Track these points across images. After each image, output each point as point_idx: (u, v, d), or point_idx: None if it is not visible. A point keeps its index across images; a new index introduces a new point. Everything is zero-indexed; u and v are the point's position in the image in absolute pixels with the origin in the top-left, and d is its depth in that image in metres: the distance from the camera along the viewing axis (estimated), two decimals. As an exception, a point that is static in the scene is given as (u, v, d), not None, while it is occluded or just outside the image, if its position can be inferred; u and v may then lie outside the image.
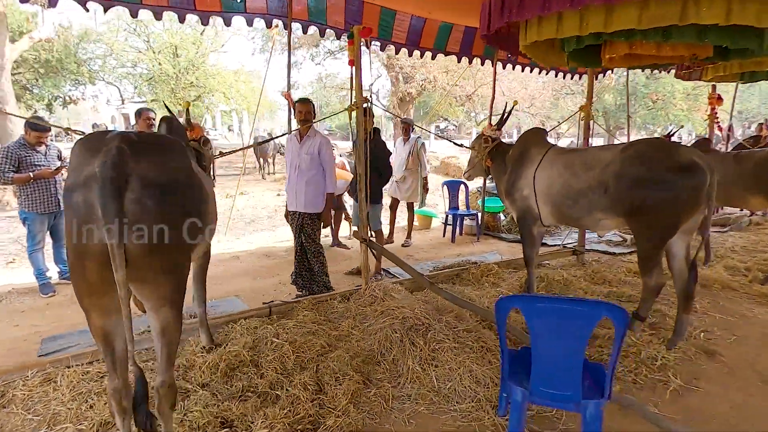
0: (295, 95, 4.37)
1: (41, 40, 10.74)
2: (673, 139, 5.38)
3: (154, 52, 21.75)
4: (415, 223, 7.65)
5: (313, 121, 3.95)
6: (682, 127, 8.07)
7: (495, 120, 4.24)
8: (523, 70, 6.60)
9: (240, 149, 4.51)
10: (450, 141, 5.12)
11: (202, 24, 4.45)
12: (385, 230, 5.93)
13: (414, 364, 2.72)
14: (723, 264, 5.01)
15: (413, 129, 6.04)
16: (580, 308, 1.71)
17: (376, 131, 4.63)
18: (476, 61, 6.59)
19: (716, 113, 6.36)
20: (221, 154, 3.39)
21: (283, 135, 4.22)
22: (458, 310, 3.36)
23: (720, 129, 6.45)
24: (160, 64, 21.64)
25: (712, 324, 3.57)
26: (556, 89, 18.27)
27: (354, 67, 3.43)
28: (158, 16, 3.97)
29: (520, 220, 3.84)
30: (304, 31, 5.05)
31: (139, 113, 4.42)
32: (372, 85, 18.56)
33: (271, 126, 32.51)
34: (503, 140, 4.10)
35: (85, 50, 20.07)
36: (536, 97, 15.50)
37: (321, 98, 37.19)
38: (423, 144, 5.97)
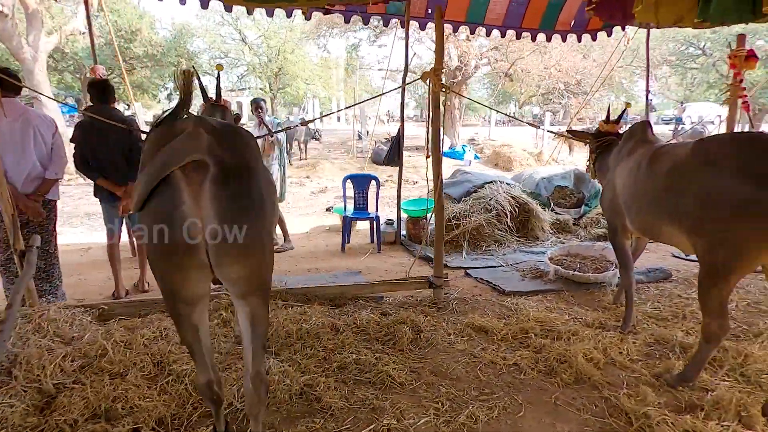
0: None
1: (72, 33, 11.76)
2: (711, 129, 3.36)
3: (245, 42, 23.01)
4: (333, 223, 6.43)
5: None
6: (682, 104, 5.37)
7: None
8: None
9: None
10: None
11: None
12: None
13: None
14: (649, 332, 2.97)
15: (265, 110, 4.79)
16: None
17: (88, 107, 3.50)
18: (510, 34, 5.29)
19: (742, 80, 3.91)
20: None
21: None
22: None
23: (747, 108, 3.90)
24: (250, 50, 22.79)
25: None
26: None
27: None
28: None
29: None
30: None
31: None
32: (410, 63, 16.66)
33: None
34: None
35: (186, 44, 21.88)
36: (583, 72, 11.72)
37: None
38: (279, 125, 4.74)
